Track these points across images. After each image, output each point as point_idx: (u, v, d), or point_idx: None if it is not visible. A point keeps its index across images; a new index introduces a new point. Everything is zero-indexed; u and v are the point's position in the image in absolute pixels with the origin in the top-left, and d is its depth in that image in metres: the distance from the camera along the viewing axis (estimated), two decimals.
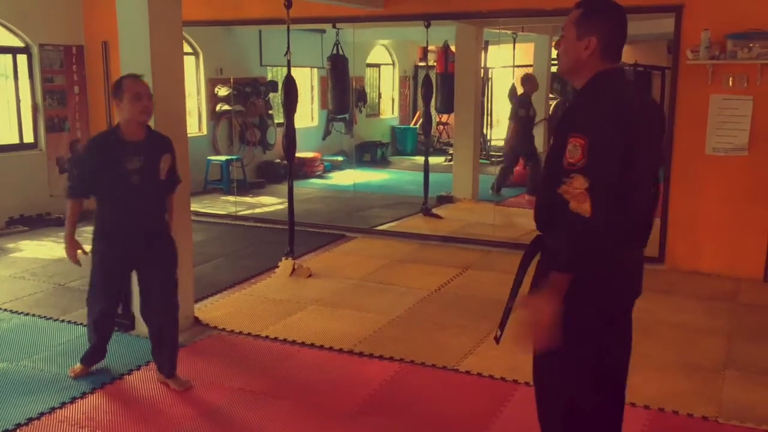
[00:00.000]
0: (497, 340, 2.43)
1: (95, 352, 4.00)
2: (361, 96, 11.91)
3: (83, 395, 3.74)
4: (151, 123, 4.27)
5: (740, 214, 5.72)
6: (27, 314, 4.95)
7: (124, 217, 3.63)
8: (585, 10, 2.29)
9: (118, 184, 3.55)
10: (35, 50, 7.68)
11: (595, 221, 2.10)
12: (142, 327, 4.57)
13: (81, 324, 4.75)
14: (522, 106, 9.18)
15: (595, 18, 2.30)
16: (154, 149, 3.61)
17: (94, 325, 3.94)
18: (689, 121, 5.78)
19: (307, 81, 11.60)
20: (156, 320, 3.81)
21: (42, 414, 3.53)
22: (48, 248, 6.71)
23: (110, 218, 3.65)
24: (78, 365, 3.99)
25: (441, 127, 13.48)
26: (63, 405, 3.63)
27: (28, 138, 7.82)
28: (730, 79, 5.56)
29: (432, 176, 8.32)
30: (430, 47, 8.95)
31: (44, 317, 4.89)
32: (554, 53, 12.05)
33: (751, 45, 5.40)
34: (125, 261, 3.73)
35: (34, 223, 7.57)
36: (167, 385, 3.80)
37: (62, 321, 4.83)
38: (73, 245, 3.77)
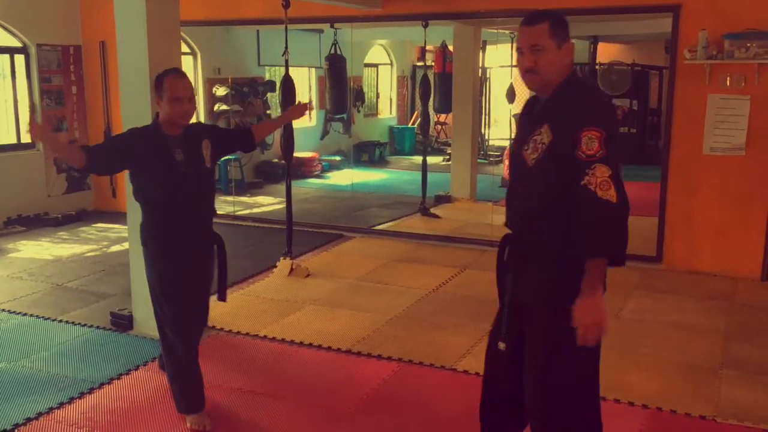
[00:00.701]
0: (504, 350, 2.54)
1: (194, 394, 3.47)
2: (359, 96, 11.91)
3: (81, 395, 3.74)
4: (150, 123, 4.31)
5: (738, 213, 5.73)
6: (25, 314, 4.94)
7: (176, 212, 3.28)
8: (551, 21, 2.39)
9: (167, 179, 3.23)
10: (33, 50, 7.67)
11: (620, 206, 2.28)
12: (140, 327, 4.59)
13: (79, 324, 4.76)
14: None
15: (563, 25, 2.43)
16: (193, 139, 3.33)
17: (182, 358, 3.41)
18: (687, 121, 5.78)
19: (305, 81, 11.60)
20: (197, 330, 3.49)
21: (40, 414, 3.53)
22: (46, 248, 6.71)
23: (160, 215, 3.29)
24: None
25: (439, 126, 13.48)
26: (61, 405, 3.63)
27: (26, 138, 7.81)
28: (728, 78, 5.57)
29: (430, 176, 8.32)
30: (428, 47, 8.95)
31: (42, 317, 4.89)
32: None
33: (748, 45, 5.41)
34: (182, 263, 3.32)
35: (32, 223, 7.56)
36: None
37: (60, 321, 4.83)
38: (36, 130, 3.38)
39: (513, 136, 2.73)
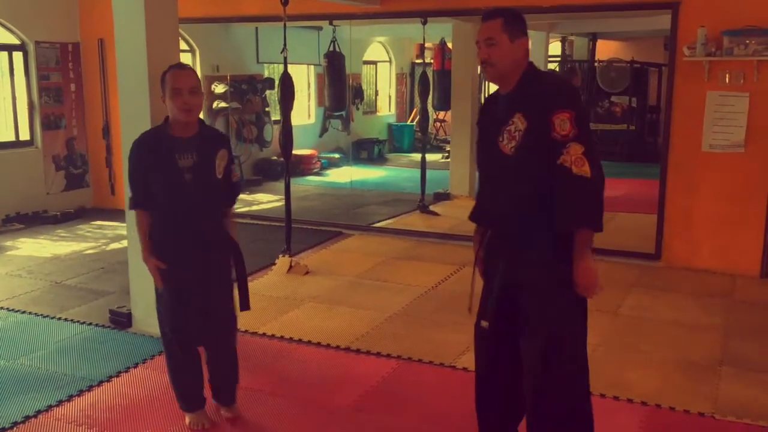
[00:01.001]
0: (484, 329, 2.72)
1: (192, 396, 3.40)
2: (358, 93, 11.92)
3: (80, 393, 3.74)
4: (148, 123, 4.29)
5: (736, 210, 5.73)
6: (24, 312, 4.94)
7: (179, 221, 3.13)
8: (504, 18, 2.57)
9: (169, 184, 3.09)
10: (31, 48, 7.66)
11: (594, 180, 2.47)
12: (138, 324, 4.59)
13: (78, 322, 4.76)
14: None
15: (519, 22, 2.61)
16: (209, 145, 3.14)
17: (184, 369, 3.36)
18: (686, 118, 5.78)
19: (304, 78, 11.60)
20: (213, 343, 3.37)
21: (39, 412, 3.53)
22: (45, 246, 6.70)
23: (163, 224, 3.16)
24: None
25: (438, 124, 13.49)
26: (60, 403, 3.63)
27: (24, 135, 7.81)
28: (727, 75, 5.57)
29: (429, 173, 8.32)
30: (427, 44, 8.97)
31: (41, 315, 4.88)
32: (551, 50, 12.10)
33: (747, 42, 5.41)
34: (185, 272, 3.18)
35: (31, 221, 7.56)
36: (221, 412, 3.46)
37: (59, 319, 4.83)
38: (152, 262, 3.17)
39: (477, 138, 2.83)
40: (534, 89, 2.58)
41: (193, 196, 3.11)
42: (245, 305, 3.34)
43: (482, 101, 2.96)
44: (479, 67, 2.68)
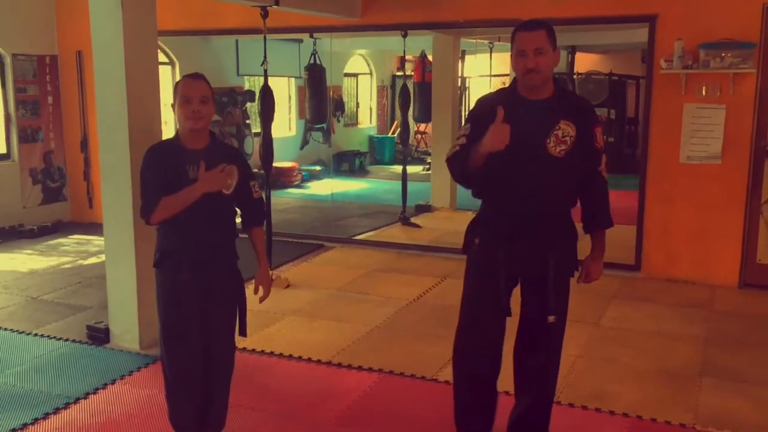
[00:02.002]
0: (552, 323, 3.00)
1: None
2: (339, 105, 11.91)
3: (57, 411, 3.67)
4: (126, 136, 4.26)
5: (715, 221, 5.78)
6: None
7: (184, 237, 2.96)
8: (547, 28, 2.79)
9: None
10: (8, 60, 7.58)
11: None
12: (116, 340, 4.52)
13: (55, 338, 4.68)
14: None
15: (554, 33, 2.82)
16: (216, 159, 2.94)
17: (184, 407, 3.11)
18: (663, 130, 5.84)
19: (285, 91, 11.58)
20: (212, 374, 3.13)
21: (14, 430, 3.45)
22: (21, 261, 6.61)
23: (168, 241, 2.99)
24: None
25: (419, 136, 13.51)
26: (36, 421, 3.56)
27: (1, 149, 7.71)
28: (704, 88, 5.63)
29: (410, 185, 8.32)
30: (408, 57, 8.97)
31: (17, 331, 4.80)
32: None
33: (723, 55, 5.48)
34: (191, 294, 2.98)
35: (7, 235, 7.45)
36: None
37: (35, 335, 4.75)
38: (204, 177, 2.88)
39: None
40: (573, 100, 2.96)
41: (197, 210, 2.90)
42: (243, 332, 3.17)
43: (483, 99, 3.03)
44: (521, 77, 2.83)
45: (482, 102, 2.99)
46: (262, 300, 3.18)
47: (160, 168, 2.94)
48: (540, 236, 2.89)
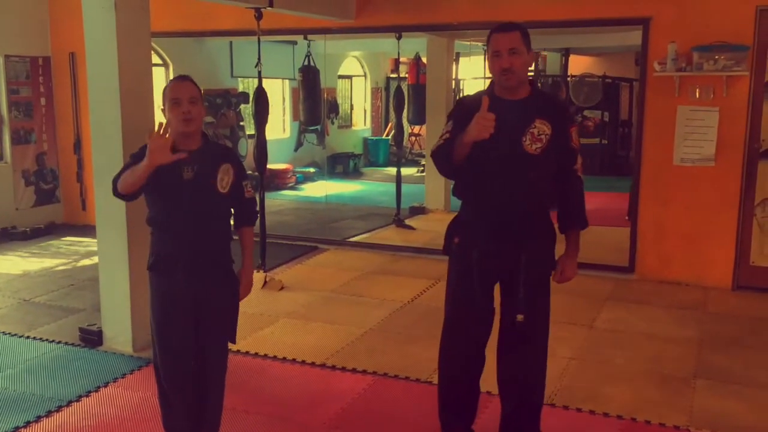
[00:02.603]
0: (521, 322, 3.00)
1: None
2: (333, 107, 11.90)
3: (49, 414, 3.65)
4: (119, 138, 4.24)
5: (708, 223, 5.79)
6: None
7: (178, 239, 2.94)
8: (521, 30, 2.86)
9: (170, 198, 2.93)
10: (1, 61, 7.55)
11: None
12: (109, 342, 4.50)
13: (47, 340, 4.66)
14: None
15: (529, 35, 2.88)
16: (209, 159, 2.97)
17: (178, 411, 3.08)
18: (657, 132, 5.85)
19: (279, 92, 11.57)
20: (206, 378, 3.07)
21: None
22: (13, 263, 6.57)
23: (162, 243, 2.98)
24: None
25: (413, 138, 13.53)
26: (28, 424, 3.54)
27: None
28: (697, 90, 5.65)
29: (404, 187, 8.32)
30: (402, 59, 8.97)
31: (9, 334, 4.78)
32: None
33: (716, 57, 5.49)
34: (185, 297, 2.95)
35: None
36: None
37: (28, 337, 4.72)
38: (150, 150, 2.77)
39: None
40: (548, 100, 3.04)
41: (191, 211, 2.91)
42: (232, 339, 3.13)
43: (463, 100, 3.20)
44: (496, 77, 2.91)
45: (462, 102, 3.14)
46: (240, 298, 3.12)
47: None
48: (515, 235, 2.92)
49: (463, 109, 2.97)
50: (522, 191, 2.90)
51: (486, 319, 3.08)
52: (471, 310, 3.04)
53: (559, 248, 3.08)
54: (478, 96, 2.98)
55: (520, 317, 2.95)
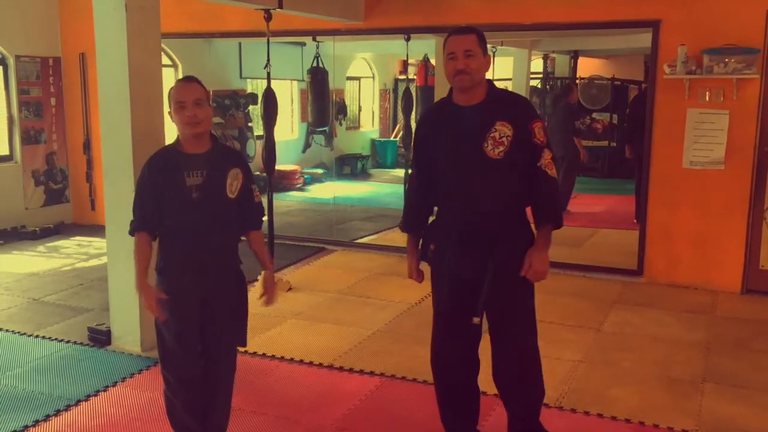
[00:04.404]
0: (477, 325, 2.99)
1: None
2: (341, 109, 11.90)
3: (58, 413, 3.67)
4: (129, 138, 4.25)
5: (717, 227, 5.77)
6: (0, 330, 4.85)
7: (186, 243, 2.93)
8: (477, 35, 2.88)
9: (177, 203, 2.91)
10: (11, 61, 7.59)
11: (557, 182, 2.95)
12: (117, 342, 4.52)
13: (56, 339, 4.68)
14: (575, 116, 9.16)
15: (485, 39, 2.90)
16: (219, 163, 2.94)
17: (183, 407, 3.08)
18: (666, 135, 5.83)
19: (287, 94, 11.57)
20: (213, 381, 3.09)
21: None
22: (22, 262, 6.61)
23: (171, 247, 2.97)
24: None
25: None
26: (37, 423, 3.55)
27: (3, 150, 7.72)
28: (707, 93, 5.63)
29: None
30: (410, 60, 8.98)
31: (18, 333, 4.80)
32: (533, 66, 12.19)
33: (726, 60, 5.47)
34: (192, 301, 2.96)
35: (9, 237, 7.45)
36: None
37: (36, 336, 4.75)
38: (148, 292, 2.93)
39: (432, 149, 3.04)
40: (507, 100, 2.98)
41: (200, 215, 2.90)
42: (242, 342, 3.14)
43: (424, 112, 3.35)
44: (451, 79, 2.91)
45: (421, 118, 3.21)
46: (268, 304, 3.16)
47: (155, 185, 2.93)
48: (483, 239, 2.90)
49: (419, 128, 3.12)
50: (488, 196, 2.90)
51: (473, 322, 3.00)
52: (452, 315, 3.04)
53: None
54: (436, 107, 3.14)
55: (476, 320, 2.93)
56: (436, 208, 3.14)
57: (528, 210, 3.00)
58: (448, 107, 2.98)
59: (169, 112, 2.95)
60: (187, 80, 2.97)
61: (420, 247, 3.18)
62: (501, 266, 2.90)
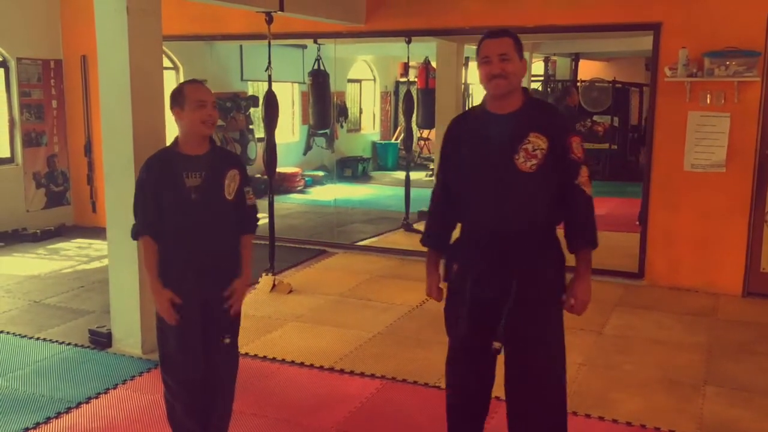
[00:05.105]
0: (497, 351, 2.74)
1: None
2: (343, 111, 11.92)
3: (58, 415, 3.66)
4: (130, 140, 4.25)
5: (718, 229, 5.76)
6: (1, 332, 4.85)
7: (186, 245, 2.95)
8: (513, 38, 2.70)
9: (176, 204, 2.92)
10: (12, 64, 7.60)
11: (593, 200, 2.72)
12: (118, 344, 4.52)
13: (57, 342, 4.68)
14: (575, 118, 9.12)
15: (521, 43, 2.73)
16: (218, 164, 2.98)
17: (184, 409, 3.09)
18: (668, 138, 5.83)
19: (288, 96, 11.59)
20: (213, 384, 3.09)
21: None
22: (23, 264, 6.61)
23: (169, 251, 2.97)
24: None
25: (422, 142, 13.51)
26: (37, 425, 3.55)
27: (5, 152, 7.72)
28: (708, 96, 5.63)
29: (413, 191, 8.31)
30: (411, 63, 8.98)
31: (19, 335, 4.80)
32: (534, 69, 12.20)
33: (727, 63, 5.47)
34: (192, 303, 2.96)
35: (10, 239, 7.45)
36: None
37: (37, 339, 4.74)
38: (161, 295, 2.93)
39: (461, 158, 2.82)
40: (544, 111, 2.78)
41: (199, 216, 2.92)
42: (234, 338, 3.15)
43: (454, 120, 2.97)
44: (485, 84, 2.71)
45: (450, 125, 2.93)
46: (231, 307, 3.04)
47: (154, 186, 2.94)
48: (508, 257, 2.68)
49: (449, 134, 2.90)
50: (517, 212, 2.68)
51: (488, 351, 2.78)
52: (470, 338, 2.81)
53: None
54: (467, 114, 3.00)
55: (497, 345, 2.70)
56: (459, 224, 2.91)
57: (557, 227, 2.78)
58: (480, 115, 2.78)
59: (175, 111, 2.95)
60: (200, 83, 3.01)
61: (443, 266, 2.97)
62: (525, 288, 2.66)
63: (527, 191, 2.66)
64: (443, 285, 2.97)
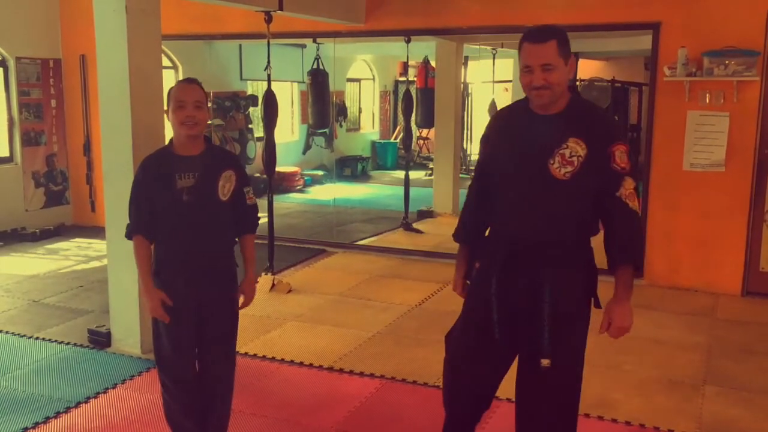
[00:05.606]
0: (546, 368, 2.54)
1: None
2: (342, 110, 11.92)
3: (58, 415, 3.66)
4: (129, 140, 4.25)
5: (718, 229, 5.77)
6: (0, 331, 4.85)
7: (179, 246, 2.94)
8: (558, 38, 2.44)
9: (169, 206, 2.90)
10: (11, 63, 7.59)
11: (640, 216, 2.54)
12: (118, 344, 4.51)
13: (56, 341, 4.68)
14: None
15: (568, 41, 2.48)
16: (212, 164, 2.94)
17: (181, 409, 3.09)
18: (667, 137, 5.83)
19: (288, 95, 11.58)
20: (209, 384, 3.08)
21: None
22: (22, 264, 6.60)
23: (165, 249, 2.97)
24: None
25: (421, 141, 13.51)
26: (36, 425, 3.55)
27: (4, 152, 7.71)
28: (707, 95, 5.62)
29: (412, 191, 8.31)
30: (411, 62, 8.98)
31: (18, 335, 4.80)
32: None
33: (727, 62, 5.47)
34: (186, 304, 2.94)
35: (9, 238, 7.45)
36: None
37: (36, 338, 4.74)
38: (152, 295, 2.92)
39: (497, 151, 2.67)
40: (588, 115, 2.55)
41: (193, 218, 2.89)
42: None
43: (495, 115, 2.81)
44: (527, 93, 2.52)
45: (491, 122, 2.78)
46: (241, 307, 3.12)
47: (149, 188, 2.93)
48: (536, 265, 2.52)
49: (490, 129, 2.72)
50: (545, 221, 2.50)
51: (504, 357, 2.71)
52: (480, 347, 2.69)
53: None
54: (510, 110, 2.74)
55: (545, 362, 2.50)
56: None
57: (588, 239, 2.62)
58: (521, 113, 2.58)
59: (167, 112, 2.95)
60: (189, 82, 2.96)
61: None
62: (557, 302, 2.51)
63: (558, 200, 2.48)
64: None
